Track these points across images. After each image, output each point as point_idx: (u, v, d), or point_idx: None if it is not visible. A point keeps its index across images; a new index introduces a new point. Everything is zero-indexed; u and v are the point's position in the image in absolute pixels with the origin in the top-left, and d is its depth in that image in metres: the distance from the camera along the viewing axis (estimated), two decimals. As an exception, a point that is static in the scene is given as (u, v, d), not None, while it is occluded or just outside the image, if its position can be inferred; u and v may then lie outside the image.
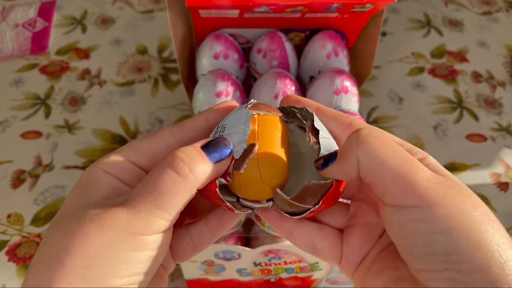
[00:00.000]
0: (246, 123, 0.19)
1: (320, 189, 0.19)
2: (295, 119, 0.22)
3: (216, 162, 0.18)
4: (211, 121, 0.21)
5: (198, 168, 0.17)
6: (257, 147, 0.19)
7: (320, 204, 0.19)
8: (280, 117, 0.21)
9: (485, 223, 0.15)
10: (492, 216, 0.16)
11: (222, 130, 0.19)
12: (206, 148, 0.18)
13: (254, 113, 0.20)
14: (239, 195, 0.20)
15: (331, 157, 0.19)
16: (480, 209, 0.16)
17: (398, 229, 0.17)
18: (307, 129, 0.20)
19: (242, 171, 0.19)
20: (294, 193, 0.19)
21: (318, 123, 0.20)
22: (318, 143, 0.19)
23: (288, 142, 0.21)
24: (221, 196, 0.18)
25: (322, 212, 0.20)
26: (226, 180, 0.19)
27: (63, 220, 0.17)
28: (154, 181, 0.17)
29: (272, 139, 0.20)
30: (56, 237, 0.16)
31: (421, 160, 0.18)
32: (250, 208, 0.20)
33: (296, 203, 0.19)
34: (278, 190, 0.19)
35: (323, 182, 0.19)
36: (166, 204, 0.17)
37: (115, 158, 0.19)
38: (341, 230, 0.22)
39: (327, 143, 0.19)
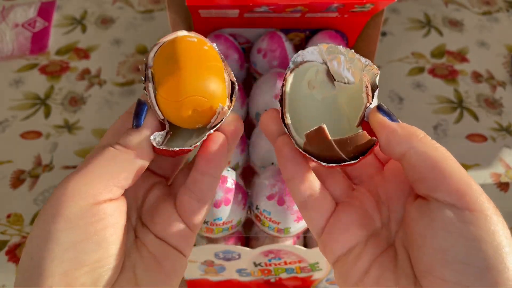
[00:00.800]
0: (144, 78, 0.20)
1: (364, 145, 0.18)
2: (334, 64, 0.22)
3: (142, 122, 0.19)
4: None
5: (125, 140, 0.19)
6: (149, 86, 0.19)
7: (358, 160, 0.18)
8: (182, 35, 0.21)
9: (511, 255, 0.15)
10: None
11: None
12: (133, 123, 0.19)
13: (150, 60, 0.21)
14: (194, 128, 0.20)
15: (393, 115, 0.19)
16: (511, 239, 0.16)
17: (440, 227, 0.16)
18: (366, 84, 0.20)
19: (160, 112, 0.19)
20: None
21: (377, 80, 0.20)
22: (372, 97, 0.19)
23: (190, 49, 0.20)
24: (158, 147, 0.19)
25: (349, 166, 0.20)
26: (162, 129, 0.19)
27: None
28: (91, 155, 0.18)
29: (161, 65, 0.20)
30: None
31: None
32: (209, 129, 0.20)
33: (336, 148, 0.18)
34: (324, 126, 0.18)
35: (369, 138, 0.18)
36: (99, 171, 0.18)
37: (92, 152, 0.20)
38: (336, 205, 0.21)
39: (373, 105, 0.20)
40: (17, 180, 0.48)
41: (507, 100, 0.55)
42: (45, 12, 0.62)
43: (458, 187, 0.16)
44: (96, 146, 0.20)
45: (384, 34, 0.61)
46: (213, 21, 0.42)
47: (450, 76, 0.57)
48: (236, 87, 0.21)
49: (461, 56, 0.59)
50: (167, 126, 0.19)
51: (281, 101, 0.21)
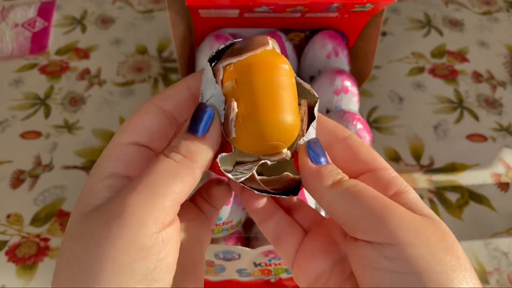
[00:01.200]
0: (213, 80, 0.17)
1: (292, 182, 0.19)
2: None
3: (205, 133, 0.17)
4: (191, 85, 0.19)
5: (188, 149, 0.17)
6: (235, 107, 0.17)
7: (289, 196, 0.19)
8: (270, 49, 0.18)
9: (456, 271, 0.15)
10: (466, 261, 0.15)
11: (202, 96, 0.18)
12: (190, 127, 0.17)
13: (226, 63, 0.18)
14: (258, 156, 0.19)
15: (321, 155, 0.18)
16: (454, 253, 0.15)
17: (367, 264, 0.16)
18: (302, 117, 0.19)
19: (234, 135, 0.17)
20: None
21: (316, 110, 0.19)
22: (307, 130, 0.19)
23: (284, 82, 0.17)
24: (225, 173, 0.17)
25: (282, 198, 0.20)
26: (229, 150, 0.18)
27: (66, 235, 0.16)
28: (148, 169, 0.16)
29: (254, 90, 0.17)
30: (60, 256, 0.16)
31: (402, 193, 0.18)
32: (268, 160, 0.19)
33: (263, 186, 0.19)
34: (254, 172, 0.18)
35: (297, 177, 0.18)
36: (163, 190, 0.16)
37: (112, 150, 0.18)
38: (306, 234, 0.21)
39: (313, 136, 0.19)
40: (17, 180, 0.48)
41: (507, 100, 0.55)
42: (45, 12, 0.62)
43: (373, 224, 0.16)
44: (113, 141, 0.18)
45: (384, 34, 0.61)
46: (213, 21, 0.42)
47: (450, 76, 0.57)
48: None
49: (461, 56, 0.59)
50: (233, 148, 0.18)
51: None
